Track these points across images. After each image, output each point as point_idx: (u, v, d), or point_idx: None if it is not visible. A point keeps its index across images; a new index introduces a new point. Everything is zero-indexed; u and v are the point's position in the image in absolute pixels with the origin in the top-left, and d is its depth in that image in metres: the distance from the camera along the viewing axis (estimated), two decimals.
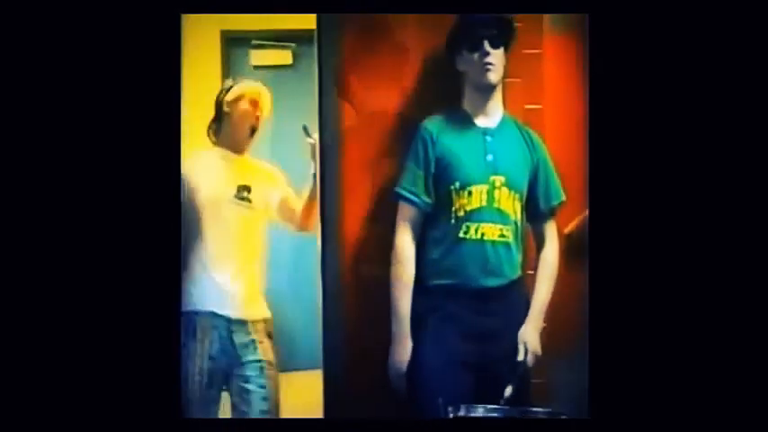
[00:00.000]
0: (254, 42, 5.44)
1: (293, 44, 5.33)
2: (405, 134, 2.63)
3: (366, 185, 2.73)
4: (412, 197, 2.51)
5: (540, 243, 2.69)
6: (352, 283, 2.73)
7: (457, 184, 2.48)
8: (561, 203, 2.68)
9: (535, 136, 2.63)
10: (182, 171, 3.04)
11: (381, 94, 2.75)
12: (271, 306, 3.25)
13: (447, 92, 2.62)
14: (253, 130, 3.22)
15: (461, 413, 2.08)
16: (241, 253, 3.10)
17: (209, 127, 3.30)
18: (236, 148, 3.21)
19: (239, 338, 3.02)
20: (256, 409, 3.03)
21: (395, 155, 2.65)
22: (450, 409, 2.10)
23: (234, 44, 5.48)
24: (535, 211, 2.63)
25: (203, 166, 3.15)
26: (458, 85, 2.60)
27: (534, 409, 2.18)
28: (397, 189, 2.54)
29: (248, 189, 3.13)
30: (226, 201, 3.09)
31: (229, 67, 5.45)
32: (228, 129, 3.24)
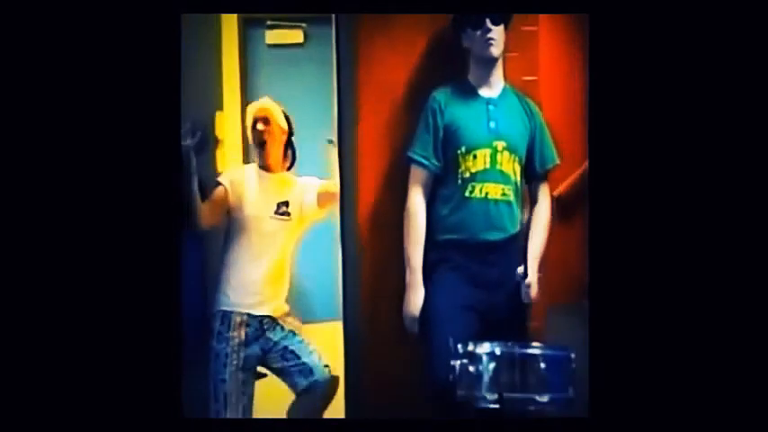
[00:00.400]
0: (268, 23, 5.50)
1: (304, 24, 5.39)
2: (416, 104, 2.69)
3: (381, 150, 2.80)
4: (423, 160, 2.60)
5: (533, 201, 2.77)
6: (369, 239, 2.81)
7: (463, 149, 2.57)
8: (555, 166, 2.77)
9: (533, 105, 2.70)
10: (225, 184, 3.17)
11: (394, 68, 2.79)
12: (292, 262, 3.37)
13: (454, 65, 2.68)
14: (276, 147, 3.23)
15: (469, 349, 2.18)
16: (277, 261, 3.19)
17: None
18: (267, 167, 3.24)
19: (269, 327, 3.15)
20: (309, 357, 3.16)
21: (407, 123, 2.72)
22: (459, 346, 2.20)
23: (250, 25, 5.55)
24: (532, 173, 2.72)
25: (242, 184, 3.21)
26: (463, 60, 2.66)
27: (536, 344, 2.27)
28: (409, 153, 2.62)
29: (286, 204, 3.20)
30: (267, 218, 3.16)
31: (246, 47, 5.54)
32: (254, 151, 3.29)
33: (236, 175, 3.25)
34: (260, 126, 3.20)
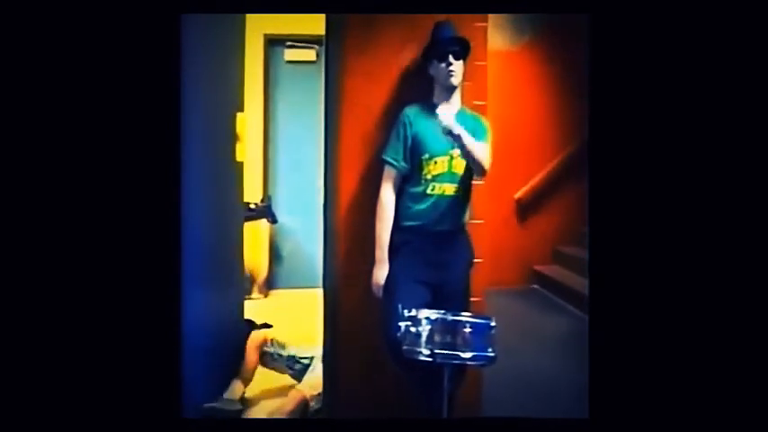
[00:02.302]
0: (287, 43, 5.68)
1: (317, 45, 5.56)
2: (391, 117, 2.78)
3: (361, 153, 2.87)
4: (394, 162, 2.70)
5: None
6: (348, 223, 2.88)
7: (426, 156, 2.67)
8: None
9: (480, 118, 2.79)
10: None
11: (375, 89, 2.86)
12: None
13: (422, 89, 2.77)
14: None
15: (412, 314, 2.27)
16: None
17: None
18: None
19: None
20: None
21: (383, 132, 2.81)
22: (405, 311, 2.29)
23: (273, 44, 5.73)
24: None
25: None
26: (430, 85, 2.75)
27: (465, 313, 2.33)
28: (383, 156, 2.73)
29: None
30: None
31: (269, 62, 5.72)
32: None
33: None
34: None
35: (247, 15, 3.55)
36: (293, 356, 3.47)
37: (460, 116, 2.73)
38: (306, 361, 3.42)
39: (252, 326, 3.33)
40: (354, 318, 2.90)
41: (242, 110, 3.54)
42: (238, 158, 3.39)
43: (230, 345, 3.31)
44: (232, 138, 3.38)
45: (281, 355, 3.47)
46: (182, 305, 1.82)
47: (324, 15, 2.96)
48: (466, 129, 2.71)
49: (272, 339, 3.47)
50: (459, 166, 2.70)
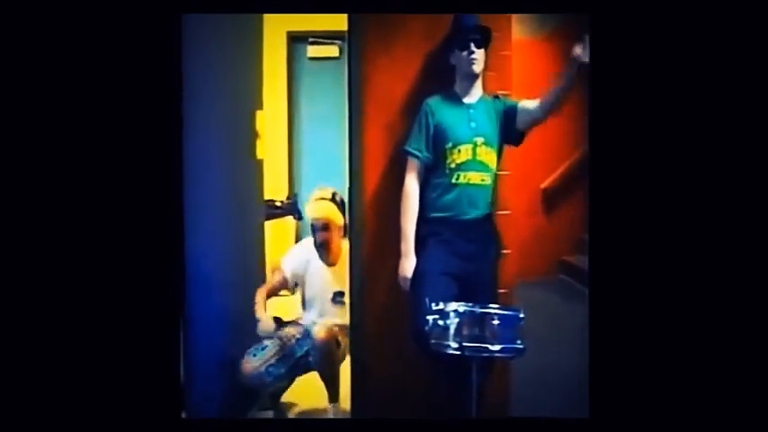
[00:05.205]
0: (310, 39, 5.70)
1: (339, 41, 5.56)
2: (412, 109, 2.76)
3: (384, 146, 2.87)
4: (417, 153, 2.68)
5: (532, 111, 2.70)
6: (373, 216, 2.89)
7: (450, 144, 2.64)
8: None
9: (501, 97, 2.76)
10: (287, 276, 3.30)
11: (396, 81, 2.86)
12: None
13: (445, 82, 2.75)
14: (335, 245, 3.24)
15: (440, 307, 2.24)
16: None
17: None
18: (328, 263, 3.29)
19: None
20: None
21: (405, 124, 2.80)
22: (432, 304, 2.27)
23: (295, 41, 5.74)
24: (514, 128, 2.74)
25: (303, 276, 3.32)
26: (452, 76, 2.73)
27: (493, 306, 2.31)
28: (406, 147, 2.71)
29: (342, 294, 3.23)
30: (324, 303, 3.28)
31: (292, 58, 5.73)
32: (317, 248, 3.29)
33: (298, 268, 3.32)
34: (320, 237, 3.25)
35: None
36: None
37: (481, 104, 2.74)
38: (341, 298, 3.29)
39: (279, 323, 3.30)
40: (382, 312, 2.88)
41: (261, 107, 3.51)
42: (259, 156, 3.37)
43: (237, 347, 3.25)
44: (251, 135, 3.35)
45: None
46: (186, 306, 1.84)
47: None
48: (490, 114, 2.73)
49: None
50: (484, 153, 2.68)
